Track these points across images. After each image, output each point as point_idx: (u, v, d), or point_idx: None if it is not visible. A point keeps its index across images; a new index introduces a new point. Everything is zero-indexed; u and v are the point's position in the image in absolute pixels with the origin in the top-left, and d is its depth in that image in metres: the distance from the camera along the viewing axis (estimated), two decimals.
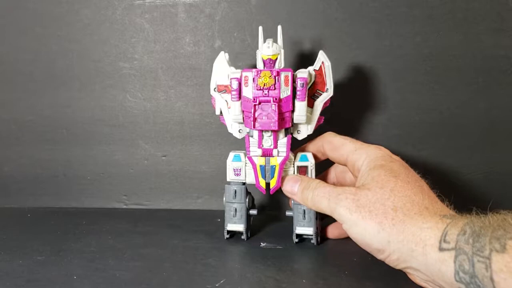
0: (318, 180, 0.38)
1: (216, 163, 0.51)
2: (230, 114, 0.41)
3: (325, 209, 0.35)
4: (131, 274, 0.35)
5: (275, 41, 0.40)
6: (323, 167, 0.44)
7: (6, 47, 0.51)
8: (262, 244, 0.42)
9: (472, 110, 0.49)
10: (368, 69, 0.49)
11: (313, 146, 0.42)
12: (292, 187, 0.39)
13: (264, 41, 0.40)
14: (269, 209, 0.51)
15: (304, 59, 0.48)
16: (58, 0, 0.50)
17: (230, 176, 0.42)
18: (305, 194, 0.37)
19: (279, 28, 0.40)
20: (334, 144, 0.40)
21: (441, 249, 0.28)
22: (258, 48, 0.40)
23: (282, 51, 0.40)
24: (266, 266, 0.37)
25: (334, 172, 0.43)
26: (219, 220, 0.48)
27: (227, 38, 0.49)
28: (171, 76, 0.51)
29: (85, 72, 0.51)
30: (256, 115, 0.38)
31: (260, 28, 0.41)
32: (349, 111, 0.49)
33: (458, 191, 0.50)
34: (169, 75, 0.51)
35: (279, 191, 0.41)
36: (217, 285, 0.33)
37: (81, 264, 0.37)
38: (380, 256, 0.32)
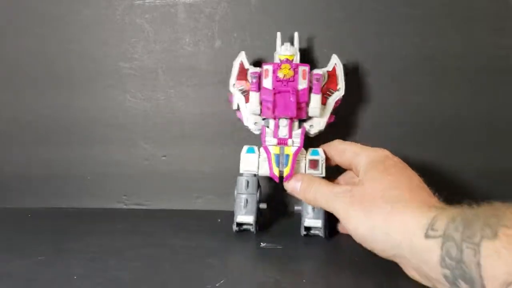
0: (319, 180, 0.40)
1: (216, 163, 0.51)
2: (248, 106, 0.44)
3: (325, 206, 0.38)
4: (131, 274, 0.35)
5: (292, 44, 0.44)
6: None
7: (6, 47, 0.51)
8: (262, 244, 0.42)
9: (472, 110, 0.49)
10: (368, 69, 0.49)
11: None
12: (295, 185, 0.41)
13: (282, 44, 0.44)
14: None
15: (304, 59, 0.48)
16: (58, 0, 0.50)
17: (243, 167, 0.43)
18: (307, 193, 0.40)
19: (296, 34, 0.45)
20: (340, 150, 0.42)
21: (427, 237, 0.29)
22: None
23: (298, 53, 0.44)
24: (266, 266, 0.37)
25: (343, 180, 0.45)
26: (219, 220, 0.48)
27: (227, 38, 0.49)
28: (171, 76, 0.51)
29: (85, 72, 0.51)
30: (275, 103, 0.42)
31: (279, 34, 0.45)
32: (349, 112, 0.49)
33: (458, 191, 0.50)
34: (169, 75, 0.51)
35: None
36: (217, 285, 0.33)
37: (81, 264, 0.37)
38: (368, 245, 0.34)
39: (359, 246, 0.35)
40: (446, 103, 0.49)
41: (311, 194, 0.39)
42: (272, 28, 0.48)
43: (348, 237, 0.36)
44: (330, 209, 0.37)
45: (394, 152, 0.39)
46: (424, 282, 0.32)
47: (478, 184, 0.50)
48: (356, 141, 0.43)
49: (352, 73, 0.49)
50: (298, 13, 0.49)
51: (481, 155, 0.50)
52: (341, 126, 0.49)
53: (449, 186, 0.49)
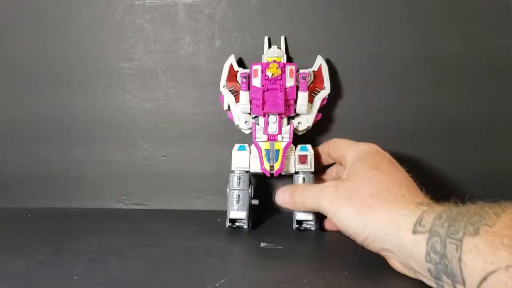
0: (302, 185, 0.42)
1: (216, 163, 0.51)
2: (239, 105, 0.45)
3: (313, 206, 0.38)
4: (131, 274, 0.35)
5: (279, 47, 0.47)
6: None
7: (6, 47, 0.51)
8: (262, 244, 0.42)
9: (472, 110, 0.49)
10: (368, 69, 0.49)
11: (322, 147, 0.46)
12: (283, 198, 0.42)
13: (270, 47, 0.47)
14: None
15: (303, 58, 0.48)
16: (58, 0, 0.50)
17: (234, 164, 0.45)
18: (294, 199, 0.40)
19: (282, 38, 0.48)
20: (334, 145, 0.44)
21: (414, 232, 0.30)
22: (261, 53, 0.47)
23: (285, 55, 0.46)
24: (266, 266, 0.37)
25: (335, 169, 0.46)
26: (219, 220, 0.48)
27: (227, 38, 0.49)
28: (171, 76, 0.51)
29: (85, 72, 0.51)
30: (264, 100, 0.43)
31: (266, 37, 0.48)
32: (349, 111, 0.49)
33: (458, 191, 0.50)
34: (169, 75, 0.51)
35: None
36: (217, 285, 0.33)
37: (81, 264, 0.37)
38: (358, 239, 0.35)
39: (358, 247, 0.35)
40: (446, 103, 0.49)
41: (297, 200, 0.40)
42: (272, 28, 0.48)
43: (344, 240, 0.36)
44: (318, 207, 0.38)
45: (394, 153, 0.39)
46: (409, 274, 0.33)
47: (478, 184, 0.50)
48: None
49: (352, 73, 0.49)
50: (298, 13, 0.49)
51: (481, 155, 0.50)
52: (341, 126, 0.50)
53: (449, 186, 0.49)
